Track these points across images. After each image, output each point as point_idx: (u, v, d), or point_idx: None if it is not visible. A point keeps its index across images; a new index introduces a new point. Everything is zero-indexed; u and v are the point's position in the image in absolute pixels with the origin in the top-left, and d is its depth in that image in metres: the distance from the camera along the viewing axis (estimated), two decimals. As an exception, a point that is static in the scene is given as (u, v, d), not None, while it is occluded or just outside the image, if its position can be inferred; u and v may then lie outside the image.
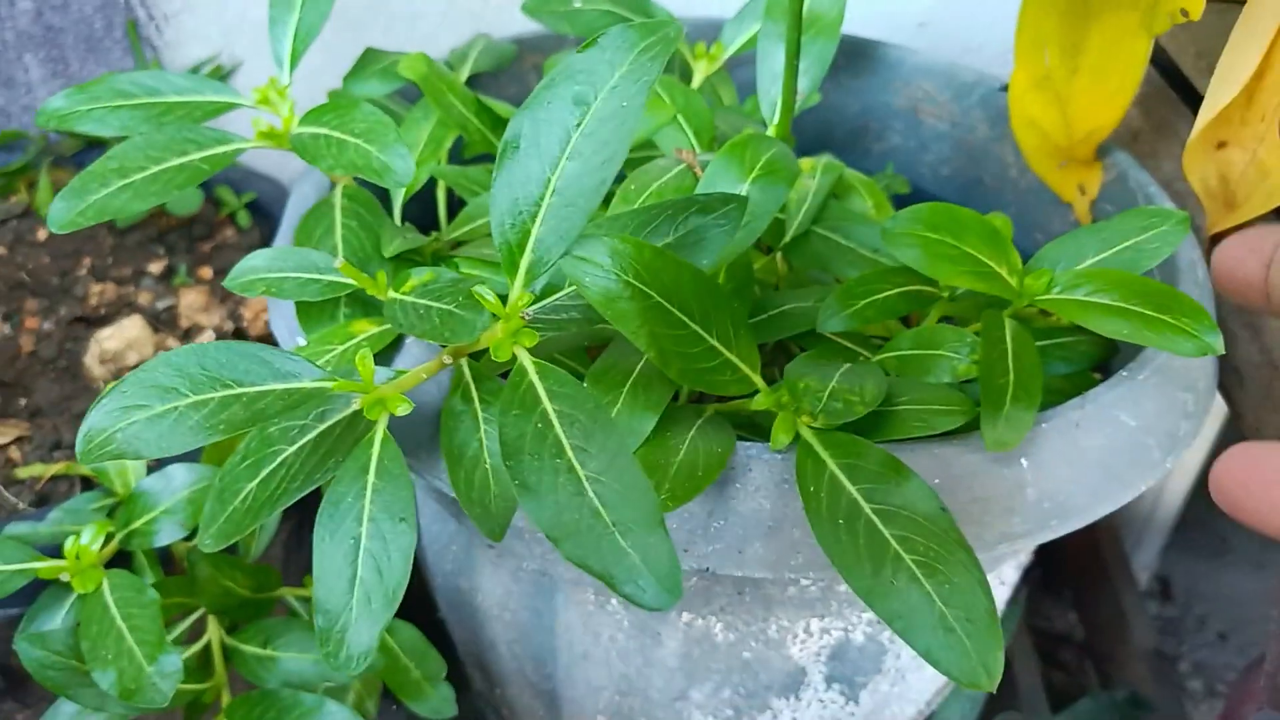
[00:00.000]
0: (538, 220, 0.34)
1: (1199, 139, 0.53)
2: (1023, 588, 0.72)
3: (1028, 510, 0.41)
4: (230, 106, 0.49)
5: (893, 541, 0.35)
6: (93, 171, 0.43)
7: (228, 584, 0.50)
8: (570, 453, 0.32)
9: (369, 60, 0.54)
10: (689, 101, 0.52)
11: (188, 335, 0.67)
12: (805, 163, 0.50)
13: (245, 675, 0.51)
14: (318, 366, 0.36)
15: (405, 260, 0.46)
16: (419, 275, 0.41)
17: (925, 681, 0.56)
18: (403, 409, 0.35)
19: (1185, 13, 0.48)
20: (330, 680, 0.50)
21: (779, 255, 0.50)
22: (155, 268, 0.72)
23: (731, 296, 0.37)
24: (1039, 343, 0.47)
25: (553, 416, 0.33)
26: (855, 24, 0.63)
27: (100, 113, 0.47)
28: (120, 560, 0.50)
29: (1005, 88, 0.63)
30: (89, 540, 0.47)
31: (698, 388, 0.37)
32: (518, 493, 0.32)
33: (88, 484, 0.58)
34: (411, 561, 0.34)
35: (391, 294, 0.41)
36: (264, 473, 0.38)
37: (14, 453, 0.59)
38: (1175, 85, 0.64)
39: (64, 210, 0.42)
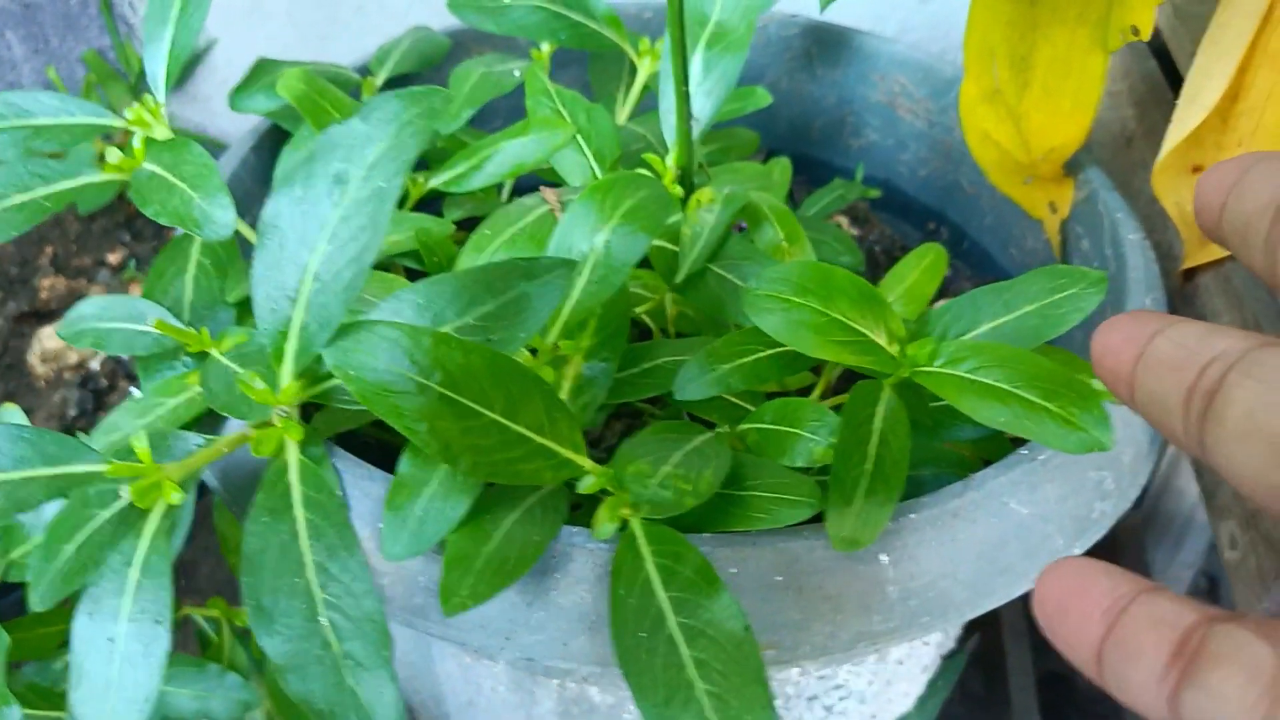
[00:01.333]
0: (299, 307, 0.31)
1: (1169, 162, 0.47)
2: (966, 634, 0.68)
3: (889, 609, 0.37)
4: (103, 129, 0.46)
5: (690, 665, 0.32)
6: (-71, 211, 0.41)
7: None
8: (311, 571, 0.30)
9: (259, 72, 0.51)
10: (591, 120, 0.48)
11: (132, 333, 0.67)
12: (704, 193, 0.46)
13: (130, 705, 0.50)
14: (92, 449, 0.34)
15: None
16: (234, 334, 0.38)
17: (841, 740, 0.53)
18: (177, 498, 0.33)
19: (1136, 30, 0.43)
20: (208, 718, 0.49)
21: (669, 296, 0.46)
22: (114, 257, 0.71)
23: (540, 379, 0.34)
24: (941, 402, 0.42)
25: (301, 527, 0.30)
26: None
27: (-33, 136, 0.45)
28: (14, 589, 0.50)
29: (983, 86, 0.57)
30: (-39, 572, 0.47)
31: (500, 480, 0.34)
32: (249, 614, 0.29)
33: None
34: (164, 667, 0.32)
35: (213, 351, 0.39)
36: (81, 536, 0.37)
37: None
38: (1175, 87, 0.57)
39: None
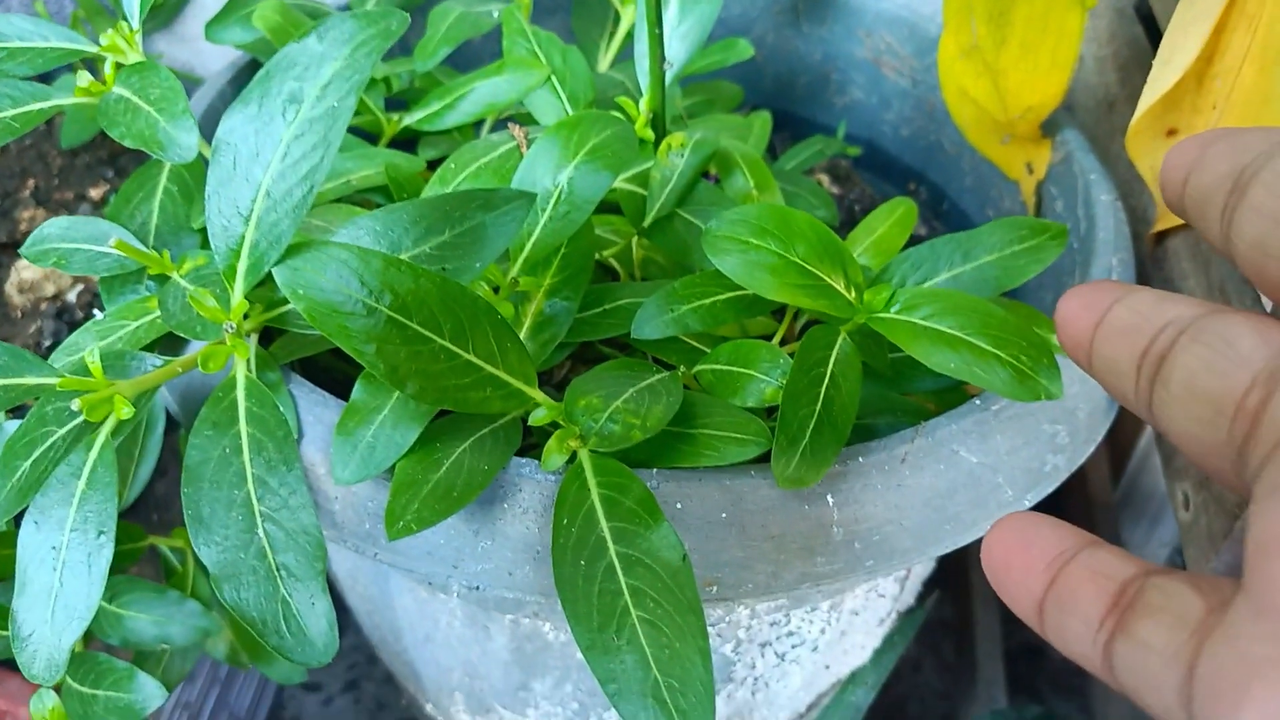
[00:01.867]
0: (251, 225, 0.31)
1: (1144, 123, 0.47)
2: (927, 591, 0.68)
3: (833, 551, 0.38)
4: (76, 54, 0.46)
5: (626, 592, 0.32)
6: (-104, 125, 0.41)
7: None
8: (251, 484, 0.30)
9: (236, 4, 0.51)
10: (567, 62, 0.48)
11: (111, 267, 0.67)
12: (675, 138, 0.46)
13: (92, 629, 0.51)
14: (45, 363, 0.34)
15: (222, 230, 0.44)
16: (194, 257, 0.38)
17: (794, 689, 0.54)
18: (127, 413, 0.34)
19: (1112, -14, 0.42)
20: (167, 643, 0.49)
21: (636, 241, 0.47)
22: (96, 193, 0.71)
23: (491, 308, 0.34)
24: (901, 354, 0.43)
25: (244, 441, 0.31)
26: None
27: (-60, 55, 0.45)
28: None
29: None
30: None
31: (448, 406, 0.34)
32: (189, 525, 0.30)
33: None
34: (106, 577, 0.32)
35: (174, 275, 0.39)
36: (36, 453, 0.37)
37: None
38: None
39: None
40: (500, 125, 0.56)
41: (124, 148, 0.76)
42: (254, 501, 0.30)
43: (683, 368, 0.41)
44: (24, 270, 0.64)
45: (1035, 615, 0.23)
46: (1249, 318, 0.20)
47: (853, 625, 0.52)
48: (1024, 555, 0.23)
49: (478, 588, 0.38)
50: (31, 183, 0.71)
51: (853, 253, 0.40)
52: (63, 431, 0.37)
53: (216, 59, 0.84)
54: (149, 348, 0.41)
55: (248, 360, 0.33)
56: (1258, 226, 0.20)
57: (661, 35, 0.43)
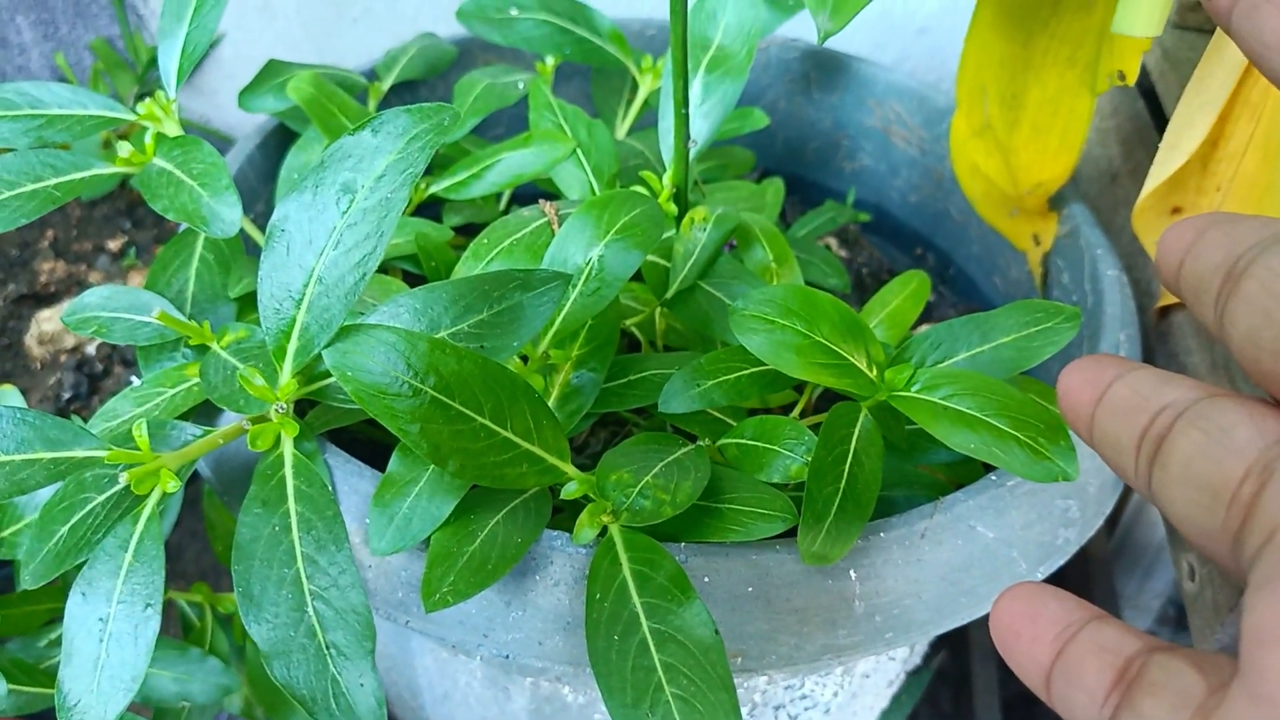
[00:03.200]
0: (302, 308, 0.32)
1: (1150, 202, 0.48)
2: (933, 651, 0.70)
3: (855, 624, 0.39)
4: (114, 122, 0.48)
5: (660, 669, 0.33)
6: (-58, 195, 0.42)
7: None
8: (301, 562, 0.31)
9: (269, 74, 0.52)
10: (591, 135, 0.50)
11: (130, 319, 0.68)
12: (697, 212, 0.47)
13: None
14: (92, 434, 0.35)
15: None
16: (235, 330, 0.40)
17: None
18: (173, 486, 0.34)
19: (1122, 76, 0.44)
20: (188, 700, 0.50)
21: (659, 311, 0.48)
22: (115, 244, 0.72)
23: (528, 386, 0.35)
24: (917, 427, 0.44)
25: (294, 520, 0.32)
26: (853, 24, 0.59)
27: (-19, 122, 0.46)
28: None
29: (975, 118, 0.59)
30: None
31: (486, 483, 0.35)
32: (239, 601, 0.30)
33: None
34: (152, 649, 0.33)
35: (214, 345, 0.40)
36: (75, 518, 0.38)
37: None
38: (1161, 128, 0.59)
39: (-93, 235, 0.41)
40: (521, 194, 0.58)
41: (141, 198, 0.77)
42: (304, 580, 0.30)
43: (707, 440, 0.42)
44: (44, 322, 0.65)
45: (1043, 686, 0.24)
46: (1245, 404, 0.21)
47: (863, 688, 0.53)
48: (1032, 626, 0.24)
49: (507, 656, 0.38)
50: (50, 234, 0.72)
51: (869, 325, 0.42)
52: (101, 498, 0.38)
53: (233, 111, 0.85)
54: (185, 415, 0.42)
55: (294, 438, 0.34)
56: (1250, 319, 0.21)
57: (687, 115, 0.44)
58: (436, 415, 0.33)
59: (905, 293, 0.50)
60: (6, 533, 0.49)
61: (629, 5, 0.76)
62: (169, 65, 0.48)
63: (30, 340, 0.65)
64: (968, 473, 0.46)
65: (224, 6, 0.49)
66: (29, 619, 0.52)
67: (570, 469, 0.37)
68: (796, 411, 0.45)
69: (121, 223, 0.75)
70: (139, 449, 0.35)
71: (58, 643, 0.53)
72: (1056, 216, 0.55)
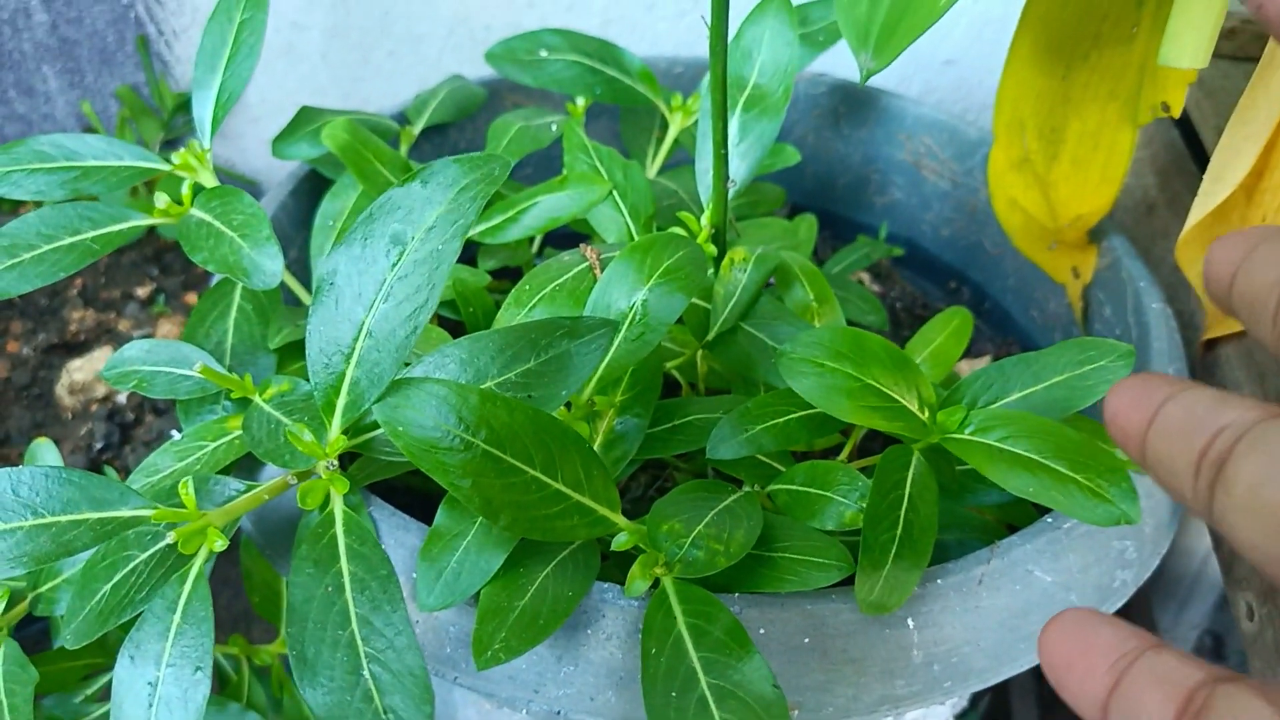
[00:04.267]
0: (351, 363, 0.32)
1: (1194, 235, 0.48)
2: (979, 694, 0.68)
3: (913, 673, 0.38)
4: (148, 173, 0.47)
5: (721, 727, 0.32)
6: (-18, 250, 0.42)
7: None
8: (355, 624, 0.30)
9: (302, 121, 0.52)
10: (627, 177, 0.49)
11: (160, 367, 0.67)
12: (737, 252, 0.47)
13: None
14: (138, 494, 0.34)
15: (297, 351, 0.44)
16: (278, 383, 0.39)
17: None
18: (220, 545, 0.34)
19: (1166, 108, 0.43)
20: (228, 756, 0.49)
21: (700, 353, 0.47)
22: (143, 291, 0.72)
23: (579, 437, 0.34)
24: (967, 467, 0.43)
25: (346, 580, 0.31)
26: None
27: (18, 175, 0.46)
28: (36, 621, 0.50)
29: (1008, 151, 0.59)
30: (-8, 604, 0.47)
31: (537, 536, 0.35)
32: (293, 664, 0.30)
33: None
34: (204, 714, 0.32)
35: (256, 398, 0.40)
36: (117, 576, 0.37)
37: (-30, 486, 0.60)
38: (1196, 156, 0.58)
39: (-54, 292, 0.41)
40: (553, 236, 0.57)
41: (168, 245, 0.77)
42: (359, 642, 0.30)
43: (755, 486, 0.41)
44: (75, 372, 0.65)
45: (1100, 718, 0.23)
46: None
47: (913, 733, 0.52)
48: (1085, 657, 0.23)
49: (559, 713, 0.38)
50: (79, 283, 0.72)
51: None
52: (144, 556, 0.38)
53: (257, 156, 0.85)
54: (226, 469, 0.41)
55: (345, 493, 0.33)
56: None
57: (726, 155, 0.44)
58: (488, 469, 0.33)
59: (948, 330, 0.49)
60: (44, 589, 0.49)
61: (652, 44, 0.76)
62: (203, 114, 0.48)
63: (61, 390, 0.65)
64: (1018, 514, 0.45)
65: (258, 56, 0.49)
66: (66, 675, 0.51)
67: (621, 520, 0.36)
68: (844, 455, 0.44)
69: (149, 270, 0.74)
70: (185, 507, 0.35)
71: (94, 698, 0.52)
72: (1096, 249, 0.54)
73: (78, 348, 0.68)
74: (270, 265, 0.39)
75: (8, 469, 0.34)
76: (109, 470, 0.60)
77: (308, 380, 0.40)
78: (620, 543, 0.37)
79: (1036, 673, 0.90)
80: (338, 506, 0.33)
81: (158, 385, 0.41)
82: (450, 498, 0.38)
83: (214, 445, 0.41)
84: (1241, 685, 0.21)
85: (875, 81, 0.67)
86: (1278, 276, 0.22)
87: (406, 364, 0.36)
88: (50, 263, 0.42)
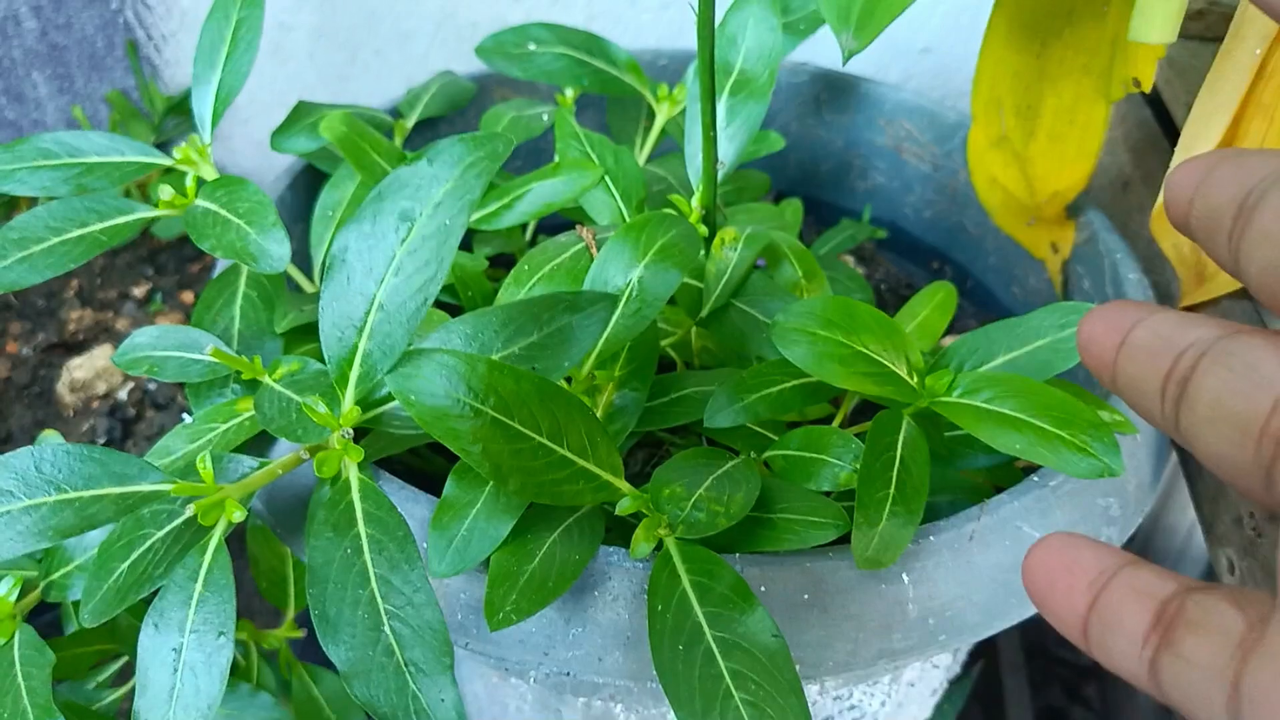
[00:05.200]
0: (364, 335, 0.33)
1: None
2: (971, 660, 0.70)
3: (909, 627, 0.39)
4: (151, 167, 0.49)
5: (727, 676, 0.34)
6: (-9, 243, 0.43)
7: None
8: (375, 583, 0.31)
9: (299, 114, 0.53)
10: (618, 162, 0.51)
11: (159, 364, 0.68)
12: (727, 232, 0.48)
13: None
14: (157, 469, 0.35)
15: (303, 335, 0.45)
16: (287, 363, 0.40)
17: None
18: (239, 516, 0.35)
19: (1137, 82, 0.45)
20: (241, 735, 0.50)
21: (694, 330, 0.49)
22: (140, 291, 0.73)
23: (583, 404, 0.36)
24: (956, 432, 0.45)
25: (364, 542, 0.32)
26: (874, 45, 0.60)
27: (23, 173, 0.47)
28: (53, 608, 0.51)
29: (986, 133, 0.60)
30: (6, 591, 0.48)
31: (544, 501, 0.36)
32: (315, 623, 0.31)
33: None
34: (227, 677, 0.33)
35: (266, 379, 0.41)
36: (134, 554, 0.38)
37: (-25, 483, 0.60)
38: (1169, 134, 0.60)
39: (-43, 284, 0.42)
40: (545, 224, 0.59)
41: (162, 245, 0.78)
42: (379, 600, 0.31)
43: (752, 453, 0.43)
44: (75, 370, 0.66)
45: (1080, 633, 0.24)
46: (1270, 338, 0.21)
47: (909, 697, 0.53)
48: (1066, 576, 0.24)
49: (568, 674, 0.39)
50: (75, 283, 0.73)
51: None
52: (161, 534, 0.39)
53: (247, 156, 0.86)
54: (237, 449, 0.42)
55: (358, 463, 0.34)
56: (1265, 252, 0.21)
57: (716, 137, 0.45)
58: (497, 435, 0.34)
59: (933, 303, 0.50)
60: (56, 575, 0.50)
61: (635, 37, 0.78)
62: (203, 110, 0.49)
63: (62, 388, 0.66)
64: (1006, 476, 0.46)
65: (256, 52, 0.50)
66: (77, 661, 0.52)
67: (624, 485, 0.38)
68: (836, 422, 0.46)
69: (144, 269, 0.75)
70: (203, 481, 0.36)
71: (106, 685, 0.53)
72: (1074, 224, 0.56)
73: (77, 347, 0.69)
74: (277, 250, 0.41)
75: (32, 447, 0.35)
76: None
77: (317, 360, 0.42)
78: (624, 507, 0.38)
79: (1026, 650, 0.92)
80: (353, 473, 0.34)
81: (169, 369, 0.42)
82: (459, 468, 0.39)
83: (225, 427, 0.42)
84: (1213, 593, 0.22)
85: (854, 69, 0.69)
86: (1233, 194, 0.22)
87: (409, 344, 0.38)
88: (60, 254, 0.43)
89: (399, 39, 0.79)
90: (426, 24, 0.78)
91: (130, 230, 0.45)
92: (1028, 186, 0.53)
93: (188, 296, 0.74)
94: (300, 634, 0.56)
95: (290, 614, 0.57)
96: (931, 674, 0.53)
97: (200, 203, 0.44)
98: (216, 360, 0.40)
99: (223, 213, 0.42)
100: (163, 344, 0.42)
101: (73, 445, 0.35)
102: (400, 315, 0.33)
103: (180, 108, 0.82)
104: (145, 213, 0.45)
